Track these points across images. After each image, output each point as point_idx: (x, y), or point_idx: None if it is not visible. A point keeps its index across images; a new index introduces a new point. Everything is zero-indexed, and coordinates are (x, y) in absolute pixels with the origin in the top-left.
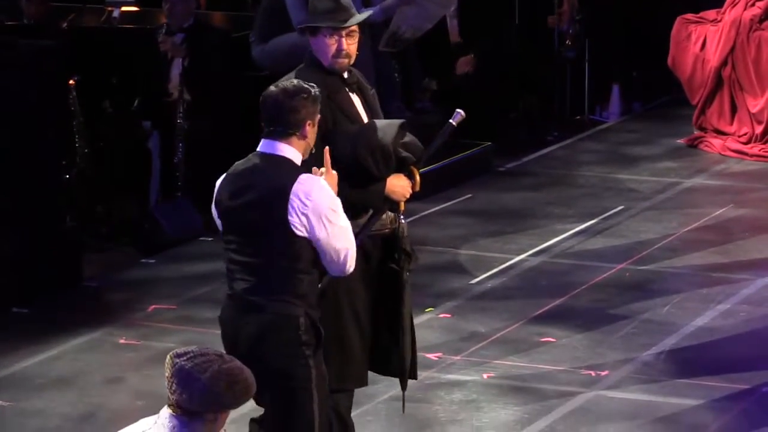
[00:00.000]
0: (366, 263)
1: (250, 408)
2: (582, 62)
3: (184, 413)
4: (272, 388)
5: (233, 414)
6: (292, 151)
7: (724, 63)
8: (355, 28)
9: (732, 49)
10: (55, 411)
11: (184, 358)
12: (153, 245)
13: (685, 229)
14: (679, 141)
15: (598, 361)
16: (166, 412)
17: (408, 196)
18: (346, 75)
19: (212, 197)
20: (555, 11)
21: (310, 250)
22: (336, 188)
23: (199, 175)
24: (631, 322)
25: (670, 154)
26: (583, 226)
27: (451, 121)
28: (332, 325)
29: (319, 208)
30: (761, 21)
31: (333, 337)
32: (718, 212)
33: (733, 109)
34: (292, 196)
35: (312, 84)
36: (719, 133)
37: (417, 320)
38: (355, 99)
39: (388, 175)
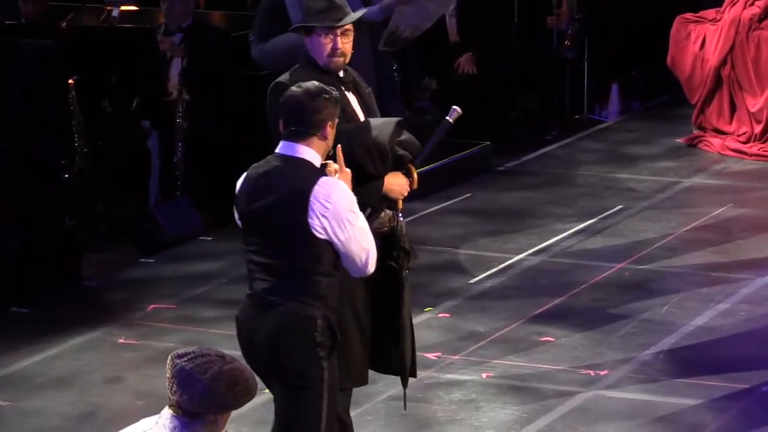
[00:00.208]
0: None
1: (250, 407)
2: (581, 61)
3: (185, 414)
4: (284, 386)
5: (233, 414)
6: (311, 153)
7: (723, 62)
8: (349, 26)
9: (731, 49)
10: (54, 411)
11: (185, 359)
12: (152, 245)
13: (685, 229)
14: (678, 140)
15: (597, 360)
16: (167, 412)
17: (406, 194)
18: (341, 74)
19: (211, 197)
20: (554, 11)
21: (330, 252)
22: (351, 186)
23: (198, 175)
24: (631, 321)
25: (669, 153)
26: (582, 226)
27: (447, 117)
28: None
29: (340, 211)
30: (760, 20)
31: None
32: (717, 211)
33: (733, 109)
34: (312, 199)
35: (322, 84)
36: (718, 132)
37: (416, 320)
38: (351, 98)
39: (386, 174)
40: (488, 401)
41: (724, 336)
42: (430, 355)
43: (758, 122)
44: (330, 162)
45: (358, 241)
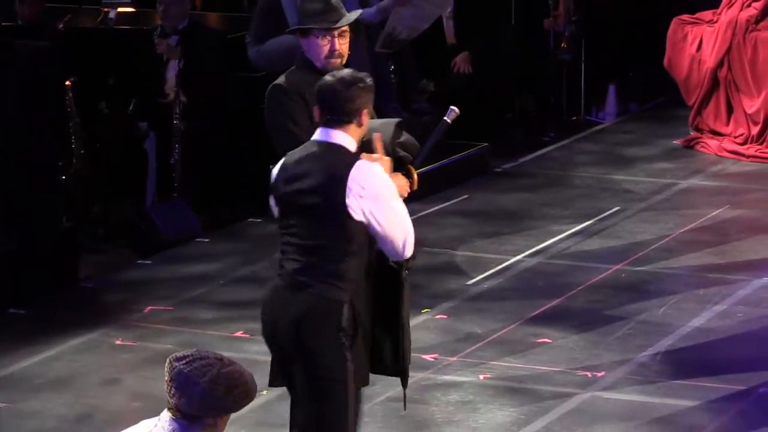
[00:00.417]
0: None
1: (249, 409)
2: (578, 63)
3: (183, 417)
4: (307, 375)
5: (232, 416)
6: (347, 139)
7: (720, 64)
8: (346, 28)
9: (728, 50)
10: (51, 412)
11: (183, 361)
12: (149, 246)
13: (681, 230)
14: (675, 142)
15: (594, 362)
16: (166, 415)
17: (406, 195)
18: None
19: (208, 198)
20: (551, 13)
21: (362, 235)
22: (389, 173)
23: (195, 176)
24: (628, 323)
25: (666, 155)
26: (579, 227)
27: (445, 118)
28: None
29: (378, 193)
30: (757, 22)
31: None
32: (714, 213)
33: (729, 110)
34: (349, 182)
35: (366, 73)
36: (715, 134)
37: (413, 321)
38: None
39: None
40: (485, 403)
41: (721, 337)
42: (428, 357)
43: (755, 124)
44: (365, 154)
45: (396, 223)
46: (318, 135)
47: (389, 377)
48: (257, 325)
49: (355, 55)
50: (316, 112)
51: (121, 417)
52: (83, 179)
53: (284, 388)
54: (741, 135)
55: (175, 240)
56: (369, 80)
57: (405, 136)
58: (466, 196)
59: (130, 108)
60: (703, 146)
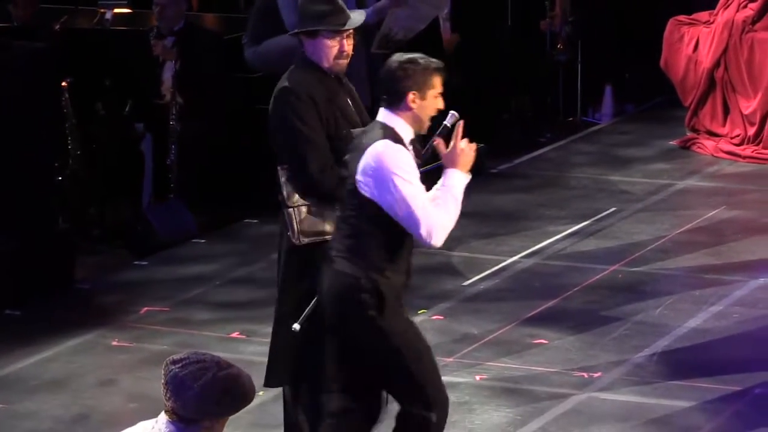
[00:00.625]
0: None
1: (244, 410)
2: (575, 64)
3: (180, 420)
4: (355, 351)
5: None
6: (395, 120)
7: (716, 64)
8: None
9: (724, 51)
10: (47, 413)
11: (179, 365)
12: (146, 247)
13: (678, 231)
14: (671, 142)
15: (591, 362)
16: (163, 417)
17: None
18: (342, 77)
19: (205, 199)
20: (547, 14)
21: (383, 215)
22: (469, 164)
23: (191, 177)
24: (624, 323)
25: (662, 155)
26: (575, 228)
27: (445, 122)
28: None
29: (385, 172)
30: (754, 22)
31: None
32: (710, 214)
33: (726, 111)
34: (365, 156)
35: (424, 56)
36: (712, 134)
37: None
38: (349, 101)
39: None
40: (481, 403)
41: (718, 338)
42: None
43: (751, 124)
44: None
45: (407, 208)
46: (378, 114)
47: None
48: (253, 326)
49: (352, 57)
50: None
51: (117, 418)
52: (79, 180)
53: (280, 389)
54: (737, 136)
55: (172, 241)
56: (424, 63)
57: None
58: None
59: (127, 109)
60: (699, 147)
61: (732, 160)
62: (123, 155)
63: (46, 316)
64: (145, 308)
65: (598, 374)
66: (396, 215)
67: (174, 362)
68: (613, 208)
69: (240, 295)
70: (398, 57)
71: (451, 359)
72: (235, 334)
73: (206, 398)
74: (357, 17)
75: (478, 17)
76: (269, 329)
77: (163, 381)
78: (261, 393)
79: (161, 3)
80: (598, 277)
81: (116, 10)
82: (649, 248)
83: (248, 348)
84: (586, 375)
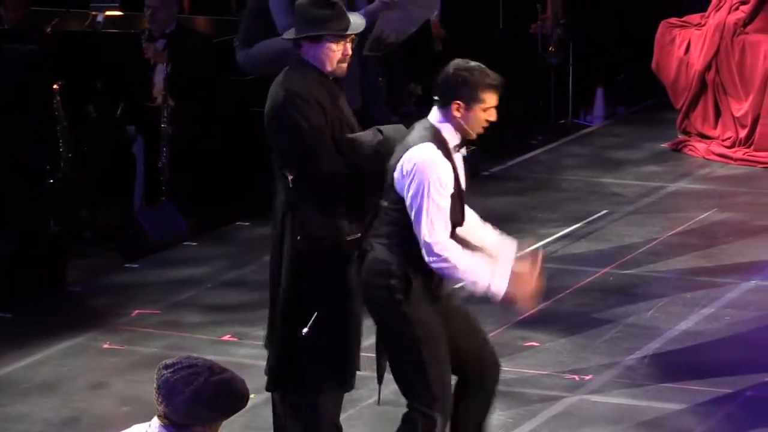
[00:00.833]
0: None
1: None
2: (566, 66)
3: (172, 424)
4: (385, 342)
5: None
6: (442, 122)
7: (708, 67)
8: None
9: (716, 53)
10: (38, 416)
11: (171, 370)
12: (137, 250)
13: (669, 233)
14: (663, 145)
15: (582, 365)
16: (156, 421)
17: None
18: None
19: (196, 202)
20: (539, 16)
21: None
22: (522, 294)
23: (183, 180)
24: (615, 326)
25: (654, 158)
26: (567, 231)
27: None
28: (338, 326)
29: (422, 178)
30: (745, 25)
31: (338, 338)
32: (702, 216)
33: (717, 113)
34: (406, 156)
35: (484, 68)
36: (703, 137)
37: None
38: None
39: None
40: None
41: (709, 340)
42: None
43: (743, 127)
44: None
45: (426, 217)
46: (430, 112)
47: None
48: (245, 329)
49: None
50: None
51: (109, 421)
52: (71, 183)
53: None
54: (729, 138)
55: (163, 244)
56: (477, 73)
57: None
58: None
59: (118, 112)
60: (691, 149)
61: (723, 162)
62: (114, 158)
63: (38, 319)
64: (137, 311)
65: (590, 377)
66: (413, 217)
67: (166, 367)
68: (605, 211)
69: (231, 298)
70: (459, 62)
71: None
72: (226, 337)
73: (197, 403)
74: (358, 21)
75: (469, 20)
76: (261, 332)
77: (155, 385)
78: (253, 396)
79: (153, 6)
80: (589, 279)
81: (107, 13)
82: (640, 251)
83: (240, 351)
84: (577, 377)
